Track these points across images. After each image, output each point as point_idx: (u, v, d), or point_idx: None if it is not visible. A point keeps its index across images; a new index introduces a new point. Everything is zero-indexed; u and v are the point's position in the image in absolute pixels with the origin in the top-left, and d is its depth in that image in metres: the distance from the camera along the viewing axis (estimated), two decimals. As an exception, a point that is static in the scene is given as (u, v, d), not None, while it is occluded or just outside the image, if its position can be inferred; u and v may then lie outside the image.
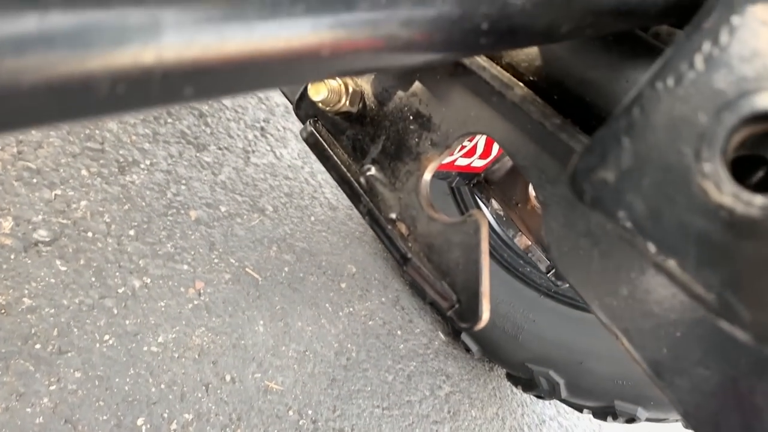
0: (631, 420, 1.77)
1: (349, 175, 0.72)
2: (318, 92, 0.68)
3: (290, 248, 1.90)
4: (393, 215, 0.71)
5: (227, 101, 2.19)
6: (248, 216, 1.86)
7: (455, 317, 0.67)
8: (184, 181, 1.76)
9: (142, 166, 1.69)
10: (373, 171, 0.72)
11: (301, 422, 1.49)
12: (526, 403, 2.23)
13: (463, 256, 0.67)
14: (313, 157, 2.38)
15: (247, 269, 1.70)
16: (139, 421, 1.22)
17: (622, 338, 0.59)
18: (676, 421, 1.78)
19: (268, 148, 2.19)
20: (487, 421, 1.99)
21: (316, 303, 1.81)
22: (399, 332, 1.98)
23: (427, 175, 0.70)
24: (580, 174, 0.37)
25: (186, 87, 0.29)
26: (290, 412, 1.49)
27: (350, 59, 0.34)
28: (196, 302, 1.51)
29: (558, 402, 2.17)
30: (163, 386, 1.30)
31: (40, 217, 1.36)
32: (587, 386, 1.82)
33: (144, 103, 0.29)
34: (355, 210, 2.35)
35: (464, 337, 2.05)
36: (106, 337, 1.29)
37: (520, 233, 0.94)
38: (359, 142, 0.74)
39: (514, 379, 2.07)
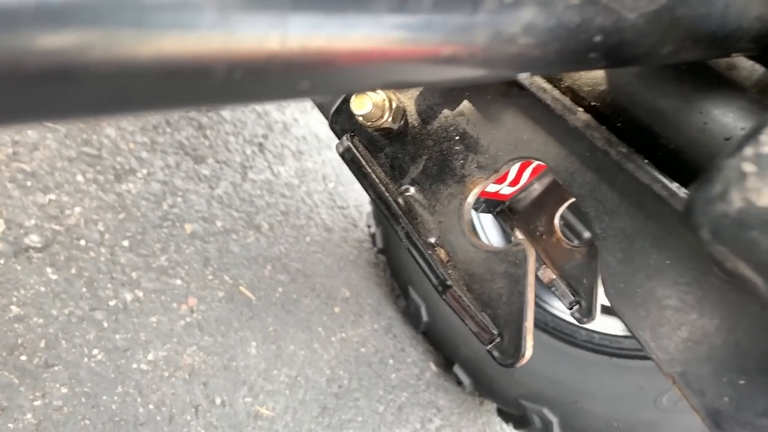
0: (625, 464, 1.72)
1: (387, 194, 0.69)
2: (362, 105, 0.65)
3: (285, 268, 1.84)
4: (432, 239, 0.67)
5: (227, 114, 2.14)
6: (244, 233, 1.81)
7: (495, 352, 0.63)
8: (180, 193, 1.71)
9: (139, 175, 1.64)
10: (412, 191, 0.69)
11: (291, 451, 1.43)
12: (514, 440, 2.18)
13: (507, 287, 0.63)
14: (310, 176, 2.35)
15: (241, 288, 1.65)
16: (126, 444, 1.15)
17: (678, 383, 0.56)
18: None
19: (266, 164, 2.14)
20: (476, 456, 1.94)
21: (309, 326, 1.76)
22: (391, 361, 1.93)
23: (471, 199, 0.66)
24: (698, 206, 0.34)
25: (303, 80, 0.25)
26: (280, 440, 1.43)
27: (468, 62, 0.31)
28: (188, 319, 1.45)
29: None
30: (151, 406, 1.24)
31: (32, 221, 1.30)
32: (581, 426, 1.78)
33: (257, 95, 0.26)
34: (350, 233, 2.31)
35: (456, 369, 1.99)
36: (95, 351, 1.22)
37: (544, 266, 0.91)
38: (398, 160, 0.70)
39: (505, 416, 2.01)
